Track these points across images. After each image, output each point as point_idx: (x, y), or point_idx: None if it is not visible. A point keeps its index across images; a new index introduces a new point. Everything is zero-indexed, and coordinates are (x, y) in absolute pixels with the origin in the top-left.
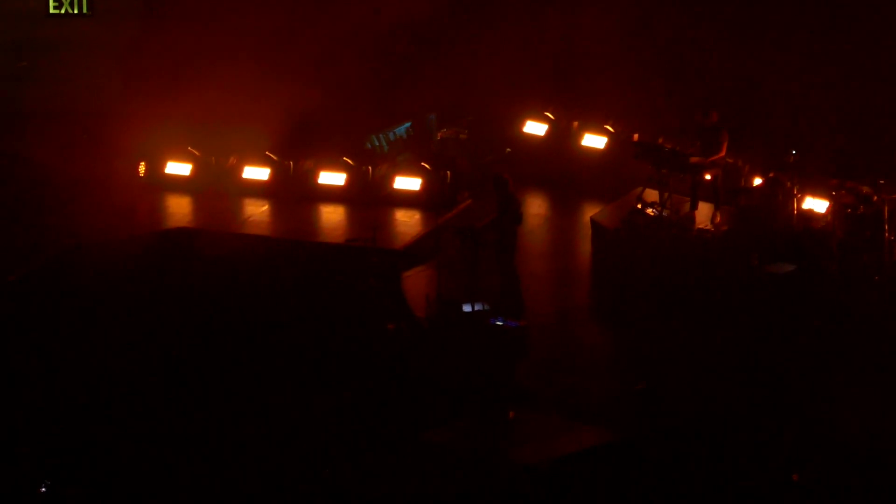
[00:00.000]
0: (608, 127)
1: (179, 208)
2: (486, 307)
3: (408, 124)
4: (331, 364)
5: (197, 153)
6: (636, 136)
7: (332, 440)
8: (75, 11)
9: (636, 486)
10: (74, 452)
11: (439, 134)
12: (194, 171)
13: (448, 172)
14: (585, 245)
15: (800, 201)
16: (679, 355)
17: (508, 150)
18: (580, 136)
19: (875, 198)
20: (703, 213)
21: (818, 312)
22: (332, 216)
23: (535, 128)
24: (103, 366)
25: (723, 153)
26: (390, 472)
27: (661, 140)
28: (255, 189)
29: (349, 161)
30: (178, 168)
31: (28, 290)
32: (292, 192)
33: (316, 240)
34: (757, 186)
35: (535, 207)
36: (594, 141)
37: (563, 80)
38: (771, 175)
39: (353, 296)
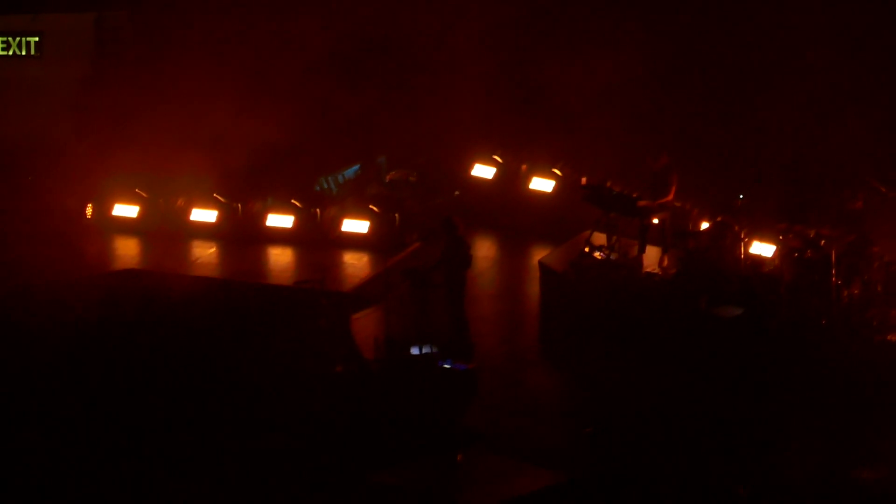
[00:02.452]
0: (556, 170)
1: (127, 250)
2: (435, 349)
3: (357, 167)
4: (280, 405)
5: (144, 195)
6: (584, 180)
7: (281, 481)
8: (23, 53)
9: None
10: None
11: (388, 176)
12: (142, 213)
13: (397, 215)
14: (534, 288)
15: (747, 245)
16: (627, 398)
17: (457, 192)
18: (528, 180)
19: (822, 242)
20: (651, 257)
21: (765, 355)
22: (280, 258)
23: (484, 171)
24: (50, 408)
25: (671, 196)
26: None
27: (609, 183)
28: (203, 231)
29: (297, 203)
30: (126, 210)
31: None
32: (240, 234)
33: (264, 282)
34: (705, 230)
35: (484, 250)
36: (542, 184)
37: (512, 124)
38: (719, 219)
39: (301, 338)
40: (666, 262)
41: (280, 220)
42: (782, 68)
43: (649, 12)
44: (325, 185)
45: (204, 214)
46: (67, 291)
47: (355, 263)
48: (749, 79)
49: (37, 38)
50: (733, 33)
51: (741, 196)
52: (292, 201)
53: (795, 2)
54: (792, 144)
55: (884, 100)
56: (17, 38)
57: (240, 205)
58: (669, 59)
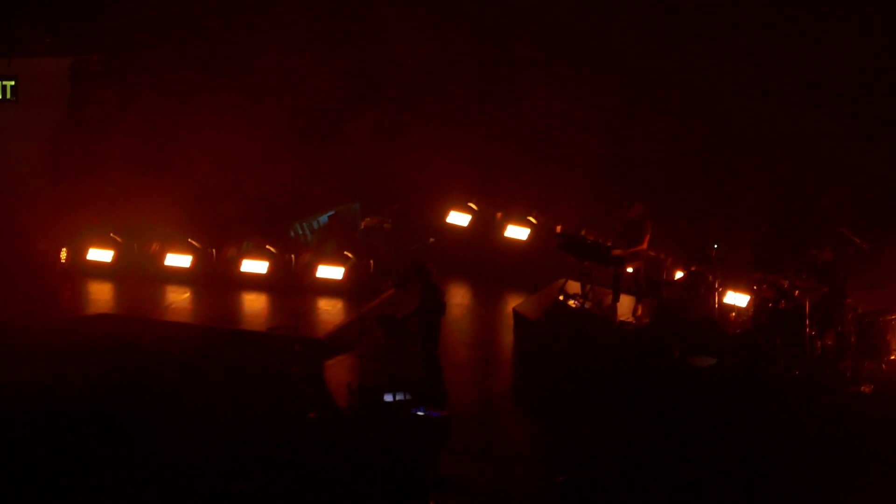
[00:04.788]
0: (531, 218)
1: (101, 295)
2: (409, 397)
3: (331, 212)
4: (252, 452)
5: (119, 239)
6: (559, 228)
7: None
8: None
9: None
10: None
11: (363, 223)
12: (116, 258)
13: (371, 261)
14: (508, 336)
15: (721, 295)
16: (600, 446)
17: (432, 239)
18: (503, 227)
19: (796, 293)
20: (625, 306)
21: (739, 406)
22: (254, 304)
23: (459, 218)
24: (21, 452)
25: (644, 245)
26: None
27: (583, 232)
28: (178, 276)
29: (272, 249)
30: (100, 254)
31: None
32: (215, 280)
33: (238, 327)
34: (679, 279)
35: (458, 297)
36: (517, 232)
37: (487, 171)
38: (693, 268)
39: (274, 384)
40: (640, 312)
41: (254, 266)
42: (760, 119)
43: (627, 61)
44: (300, 231)
45: (178, 259)
46: (40, 336)
47: (329, 310)
48: (725, 129)
49: (12, 82)
50: (710, 84)
51: (716, 246)
52: (267, 247)
53: (771, 55)
54: (768, 195)
55: (860, 152)
56: None
57: (214, 250)
58: (646, 108)
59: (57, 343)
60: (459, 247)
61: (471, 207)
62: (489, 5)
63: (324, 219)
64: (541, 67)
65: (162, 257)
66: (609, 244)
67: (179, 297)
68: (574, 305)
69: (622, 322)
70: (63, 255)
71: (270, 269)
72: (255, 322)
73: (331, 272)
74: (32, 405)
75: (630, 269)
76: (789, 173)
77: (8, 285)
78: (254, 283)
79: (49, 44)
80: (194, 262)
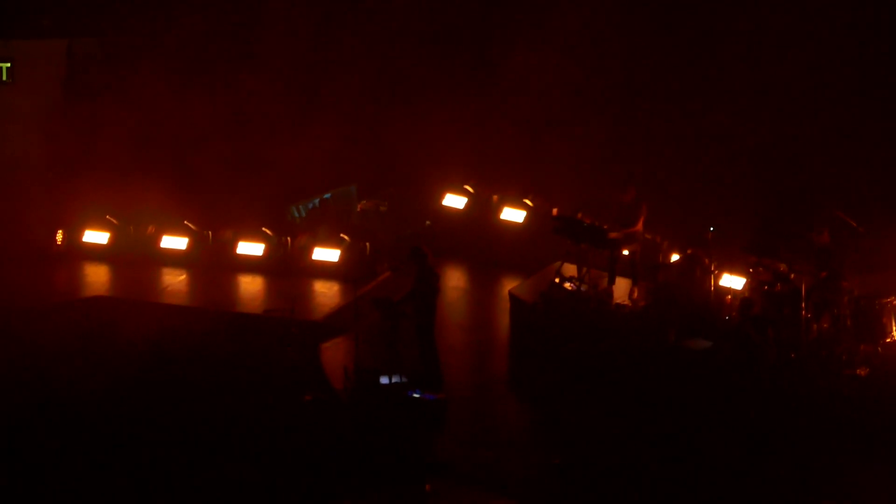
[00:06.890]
0: (527, 201)
1: (97, 277)
2: (404, 379)
3: (327, 195)
4: (248, 434)
5: (115, 221)
6: (555, 211)
7: None
8: None
9: None
10: None
11: (359, 206)
12: (112, 240)
13: (367, 244)
14: (504, 318)
15: (717, 278)
16: (596, 430)
17: (428, 222)
18: (499, 210)
19: (792, 275)
20: (621, 289)
21: (735, 390)
22: (250, 286)
23: (455, 201)
24: (18, 434)
25: (639, 227)
26: None
27: (580, 215)
28: (174, 258)
29: (268, 231)
30: (96, 237)
31: None
32: (211, 262)
33: (234, 310)
34: (675, 262)
35: (454, 280)
36: (513, 215)
37: (483, 154)
38: (689, 251)
39: (270, 367)
40: (636, 294)
41: (250, 248)
42: (756, 101)
43: (623, 44)
44: (296, 214)
45: (174, 241)
46: (35, 319)
47: (325, 292)
48: (721, 112)
49: (8, 65)
50: (706, 67)
51: (712, 228)
52: (263, 229)
53: (767, 35)
54: (764, 178)
55: (857, 135)
56: None
57: (210, 232)
58: (643, 92)
59: (52, 326)
60: (455, 230)
61: (467, 190)
62: None
63: (318, 202)
64: (537, 50)
65: (158, 240)
66: (605, 227)
67: (175, 280)
68: (570, 288)
69: (618, 305)
70: (59, 237)
71: (266, 251)
72: (251, 304)
73: (327, 255)
74: (28, 388)
75: (626, 252)
76: (786, 156)
77: (3, 268)
78: (250, 265)
79: (45, 26)
80: (190, 245)
